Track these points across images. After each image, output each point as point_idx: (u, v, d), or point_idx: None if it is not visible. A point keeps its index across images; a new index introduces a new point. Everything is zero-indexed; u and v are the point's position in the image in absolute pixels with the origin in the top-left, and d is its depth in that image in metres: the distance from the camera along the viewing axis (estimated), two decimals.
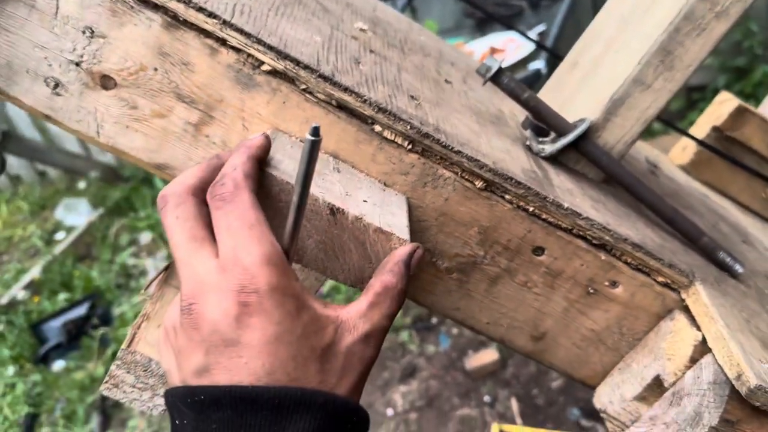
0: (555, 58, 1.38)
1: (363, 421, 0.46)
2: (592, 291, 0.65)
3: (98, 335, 3.14)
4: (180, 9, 0.52)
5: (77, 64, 0.54)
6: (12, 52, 0.54)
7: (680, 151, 1.19)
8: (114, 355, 3.05)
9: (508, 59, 2.65)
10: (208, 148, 0.58)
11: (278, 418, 0.41)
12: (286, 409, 0.41)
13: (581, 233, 0.62)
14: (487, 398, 2.71)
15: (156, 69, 0.54)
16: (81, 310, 3.32)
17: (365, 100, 0.56)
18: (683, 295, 0.65)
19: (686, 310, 0.65)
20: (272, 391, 0.41)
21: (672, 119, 3.64)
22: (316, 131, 0.43)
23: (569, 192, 0.64)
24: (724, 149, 1.13)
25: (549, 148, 0.70)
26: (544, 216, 0.60)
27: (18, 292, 3.53)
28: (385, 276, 0.50)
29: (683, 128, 1.12)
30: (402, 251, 0.52)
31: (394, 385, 2.84)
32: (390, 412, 2.72)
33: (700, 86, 3.85)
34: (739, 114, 1.11)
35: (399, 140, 0.57)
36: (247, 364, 0.42)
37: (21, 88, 0.55)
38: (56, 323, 3.28)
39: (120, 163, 4.50)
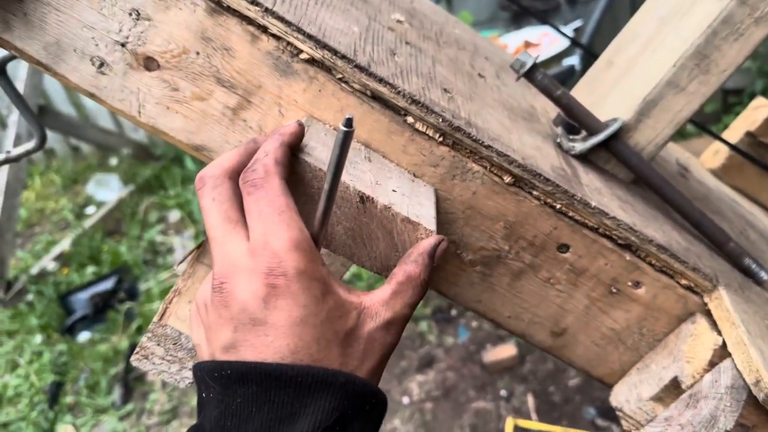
0: (590, 56, 1.38)
1: (381, 403, 0.47)
2: (614, 290, 0.65)
3: (124, 309, 3.21)
4: None
5: (123, 45, 0.56)
6: (61, 31, 0.56)
7: (712, 154, 1.18)
8: (139, 329, 3.12)
9: (542, 54, 2.63)
10: (244, 132, 0.59)
11: (300, 396, 0.42)
12: (309, 387, 0.43)
13: (607, 233, 0.62)
14: (503, 392, 2.72)
15: (198, 53, 0.56)
16: (108, 284, 3.39)
17: (399, 92, 0.57)
18: (706, 299, 0.65)
19: (708, 314, 0.65)
20: (296, 369, 0.43)
21: (706, 122, 3.59)
22: (349, 122, 0.44)
23: (597, 191, 0.65)
24: (757, 155, 1.11)
25: (579, 146, 0.71)
26: (570, 214, 0.61)
27: (48, 263, 3.62)
28: (409, 266, 0.52)
29: (718, 132, 1.11)
30: (427, 243, 0.53)
31: (411, 374, 2.86)
32: (406, 400, 2.74)
33: (737, 90, 3.77)
34: None
35: (430, 132, 0.58)
36: (272, 342, 0.44)
37: (68, 66, 0.57)
38: (83, 295, 3.36)
39: (152, 142, 4.57)
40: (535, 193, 0.60)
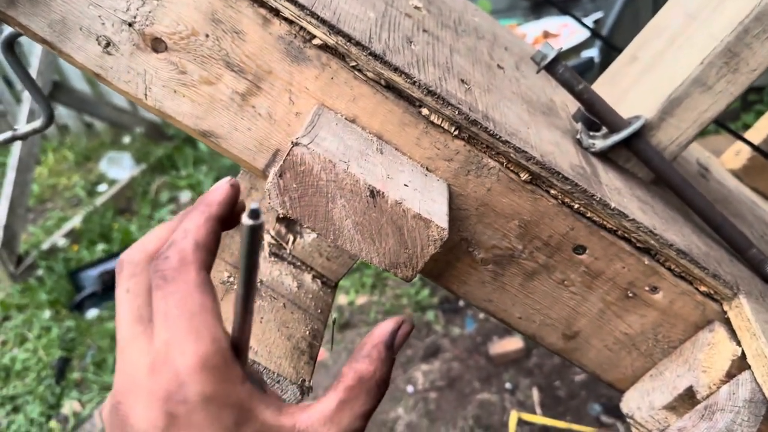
0: (610, 48, 1.34)
1: None
2: (630, 295, 0.63)
3: None
4: None
5: (130, 25, 0.54)
6: (67, 8, 0.54)
7: (733, 155, 1.14)
8: None
9: (561, 45, 2.59)
10: (253, 120, 0.57)
11: None
12: None
13: (626, 235, 0.60)
14: (508, 385, 2.70)
15: (207, 35, 0.54)
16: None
17: (414, 82, 0.55)
18: (725, 307, 0.63)
19: (727, 322, 0.63)
20: None
21: (724, 120, 3.52)
22: (255, 214, 0.34)
23: (617, 191, 0.62)
24: None
25: (600, 143, 0.68)
26: (589, 214, 0.59)
27: (59, 239, 3.63)
28: (361, 364, 0.42)
29: (737, 130, 1.08)
30: (382, 330, 0.44)
31: (417, 363, 2.86)
32: (410, 389, 2.74)
33: (758, 87, 3.70)
34: None
35: (446, 125, 0.56)
36: None
37: (73, 45, 0.56)
38: (93, 272, 3.37)
39: (165, 121, 4.56)
40: (552, 191, 0.58)
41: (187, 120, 0.58)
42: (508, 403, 2.63)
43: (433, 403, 2.67)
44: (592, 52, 2.71)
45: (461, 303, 3.12)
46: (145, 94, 0.57)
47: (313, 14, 0.53)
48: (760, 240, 0.83)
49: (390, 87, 0.55)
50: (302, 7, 0.52)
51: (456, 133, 0.56)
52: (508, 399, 2.66)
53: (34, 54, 3.33)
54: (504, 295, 0.64)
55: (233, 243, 0.69)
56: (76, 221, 3.74)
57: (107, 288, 3.31)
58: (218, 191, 0.41)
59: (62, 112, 4.55)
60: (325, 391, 0.41)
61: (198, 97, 0.57)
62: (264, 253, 0.70)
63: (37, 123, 0.84)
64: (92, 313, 3.25)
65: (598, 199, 0.58)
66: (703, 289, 0.63)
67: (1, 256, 3.31)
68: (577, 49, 2.61)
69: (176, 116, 0.58)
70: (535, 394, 2.66)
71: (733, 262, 0.68)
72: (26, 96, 3.43)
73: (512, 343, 2.82)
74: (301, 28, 0.53)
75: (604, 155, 0.70)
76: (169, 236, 0.41)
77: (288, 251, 0.71)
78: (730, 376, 0.58)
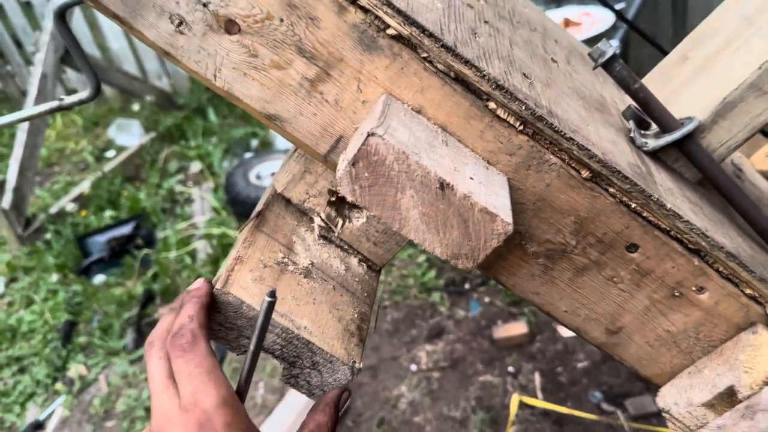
0: (639, 35, 1.34)
1: None
2: (677, 294, 0.64)
3: (140, 255, 3.23)
4: None
5: (204, 5, 0.55)
6: None
7: (764, 156, 1.15)
8: (154, 276, 3.14)
9: (582, 34, 2.57)
10: (320, 105, 0.58)
11: None
12: None
13: (678, 236, 0.61)
14: (510, 369, 2.74)
15: (282, 20, 0.54)
16: (126, 229, 3.41)
17: (484, 76, 0.55)
18: None
19: None
20: None
21: None
22: (273, 294, 0.53)
23: (670, 191, 0.63)
24: None
25: (652, 142, 0.69)
26: (645, 214, 0.60)
27: (66, 203, 3.64)
28: (318, 415, 0.60)
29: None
30: (332, 394, 0.62)
31: (421, 342, 2.89)
32: (414, 367, 2.77)
33: None
34: None
35: (511, 120, 0.57)
36: None
37: (145, 22, 0.56)
38: (101, 239, 3.38)
39: (175, 90, 4.54)
40: (611, 190, 0.59)
41: (254, 103, 0.58)
42: (510, 387, 2.67)
43: (435, 383, 2.71)
44: (613, 43, 2.69)
45: (466, 286, 3.14)
46: (215, 76, 0.57)
47: (389, 4, 0.53)
48: None
49: (459, 80, 0.56)
50: None
51: (521, 128, 0.57)
52: (510, 382, 2.69)
53: (47, 17, 3.30)
54: (552, 288, 0.66)
55: (285, 224, 0.70)
56: (84, 186, 3.74)
57: (114, 254, 3.32)
58: (201, 287, 0.58)
59: (72, 77, 4.52)
60: None
61: (267, 81, 0.57)
62: (314, 236, 0.71)
63: (84, 94, 0.84)
64: (99, 278, 3.27)
65: (655, 199, 0.59)
66: (748, 291, 0.64)
67: (9, 218, 3.32)
68: (597, 39, 2.60)
69: (244, 99, 0.58)
70: (537, 378, 2.70)
71: None
72: (38, 58, 3.41)
73: (516, 328, 2.85)
74: (377, 17, 0.53)
75: (654, 154, 0.71)
76: (173, 321, 0.56)
77: (336, 234, 0.72)
78: None
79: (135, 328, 2.96)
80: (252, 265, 0.62)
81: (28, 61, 4.39)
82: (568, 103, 0.64)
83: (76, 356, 2.89)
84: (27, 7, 4.39)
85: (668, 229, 0.61)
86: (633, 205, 0.59)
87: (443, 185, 0.51)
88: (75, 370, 2.82)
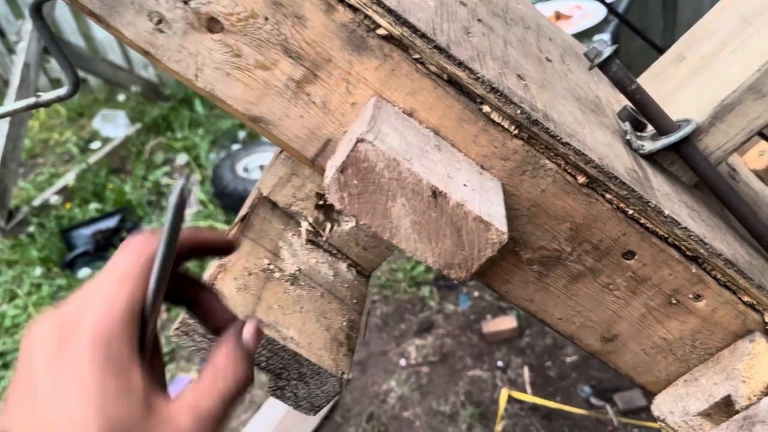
0: (630, 29, 1.32)
1: None
2: (674, 301, 0.63)
3: None
4: None
5: (185, 2, 0.52)
6: None
7: (757, 155, 1.14)
8: None
9: (573, 28, 2.55)
10: (306, 108, 0.55)
11: None
12: None
13: (676, 243, 0.59)
14: (500, 363, 2.73)
15: (267, 18, 0.52)
16: (111, 222, 3.37)
17: (478, 78, 0.53)
18: (767, 318, 0.63)
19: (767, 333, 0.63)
20: None
21: None
22: (187, 178, 0.40)
23: (667, 197, 0.62)
24: None
25: (649, 145, 0.67)
26: (642, 221, 0.58)
27: (50, 196, 3.58)
28: (219, 358, 0.44)
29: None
30: (232, 332, 0.46)
31: (410, 337, 2.88)
32: (403, 362, 2.76)
33: None
34: None
35: (506, 124, 0.55)
36: None
37: (123, 20, 0.53)
38: (86, 231, 3.33)
39: (161, 81, 4.47)
40: (608, 196, 0.57)
41: (238, 105, 0.56)
42: (499, 381, 2.67)
43: (425, 378, 2.70)
44: (605, 37, 2.67)
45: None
46: (196, 76, 0.55)
47: (379, 2, 0.51)
48: None
49: (452, 82, 0.53)
50: None
51: (516, 132, 0.55)
52: (500, 377, 2.69)
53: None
54: (547, 295, 0.64)
55: (271, 228, 0.67)
56: (69, 178, 3.68)
57: (99, 248, 3.28)
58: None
59: (55, 66, 4.44)
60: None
61: (251, 81, 0.55)
62: (301, 241, 0.69)
63: (62, 90, 0.82)
64: (84, 272, 3.23)
65: (653, 206, 0.57)
66: (746, 299, 0.62)
67: None
68: (588, 33, 2.58)
69: (227, 100, 0.56)
70: (526, 373, 2.69)
71: None
72: (20, 47, 3.34)
73: (505, 322, 2.84)
74: (366, 16, 0.51)
75: (650, 157, 0.69)
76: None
77: (325, 239, 0.70)
78: None
79: None
80: (236, 273, 0.60)
81: (11, 50, 4.31)
82: (563, 106, 0.62)
83: None
84: None
85: (666, 236, 0.59)
86: (630, 212, 0.58)
87: (436, 193, 0.49)
88: None
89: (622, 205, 0.57)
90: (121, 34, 0.54)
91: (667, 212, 0.58)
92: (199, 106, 4.28)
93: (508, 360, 2.75)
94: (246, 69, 0.54)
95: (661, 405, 0.68)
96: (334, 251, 0.71)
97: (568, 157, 0.55)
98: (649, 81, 0.82)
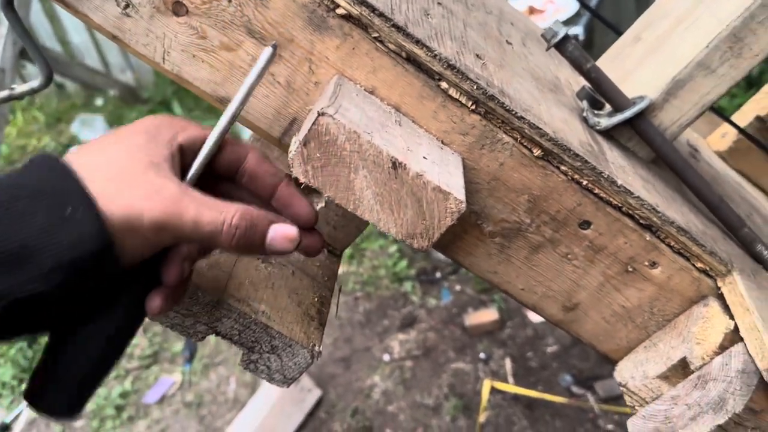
0: (601, 22, 1.35)
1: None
2: (630, 269, 0.65)
3: None
4: None
5: None
6: None
7: (719, 137, 1.17)
8: None
9: (546, 21, 2.59)
10: (271, 87, 0.57)
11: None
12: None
13: (630, 212, 0.62)
14: (482, 355, 2.76)
15: (230, 0, 0.54)
16: None
17: (435, 55, 0.55)
18: (719, 284, 0.66)
19: (720, 297, 0.66)
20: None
21: None
22: (275, 46, 0.53)
23: (622, 169, 0.64)
24: (765, 141, 1.11)
25: (605, 121, 0.70)
26: (596, 191, 0.61)
27: None
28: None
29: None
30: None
31: (393, 332, 2.90)
32: (387, 357, 2.78)
33: None
34: None
35: (463, 99, 0.57)
36: None
37: (91, 5, 0.55)
38: None
39: (139, 84, 4.46)
40: (563, 167, 0.60)
41: (204, 86, 0.57)
42: (481, 373, 2.70)
43: (408, 372, 2.72)
44: (577, 30, 2.72)
45: (438, 275, 3.16)
46: (163, 59, 0.56)
47: None
48: (747, 220, 0.86)
49: (410, 60, 0.56)
50: None
51: (473, 107, 0.57)
52: (482, 368, 2.72)
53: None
54: (509, 267, 0.66)
55: None
56: None
57: None
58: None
59: (31, 71, 4.41)
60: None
61: (217, 63, 0.56)
62: None
63: (35, 82, 0.83)
64: None
65: (606, 176, 0.60)
66: (699, 265, 0.65)
67: None
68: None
69: (194, 82, 0.57)
70: (508, 364, 2.73)
71: (726, 241, 0.71)
72: None
73: (487, 315, 2.88)
74: None
75: (607, 133, 0.72)
76: None
77: None
78: (722, 348, 0.61)
79: None
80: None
81: None
82: (520, 84, 0.65)
83: None
84: None
85: (620, 205, 0.62)
86: (584, 182, 0.60)
87: (396, 164, 0.51)
88: None
89: (576, 176, 0.60)
90: (89, 19, 0.56)
91: (620, 182, 0.60)
92: (177, 108, 4.27)
93: (490, 352, 2.78)
94: (211, 51, 0.56)
95: (623, 371, 0.71)
96: None
97: (523, 131, 0.58)
98: (608, 62, 0.85)
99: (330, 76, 0.57)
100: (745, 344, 0.60)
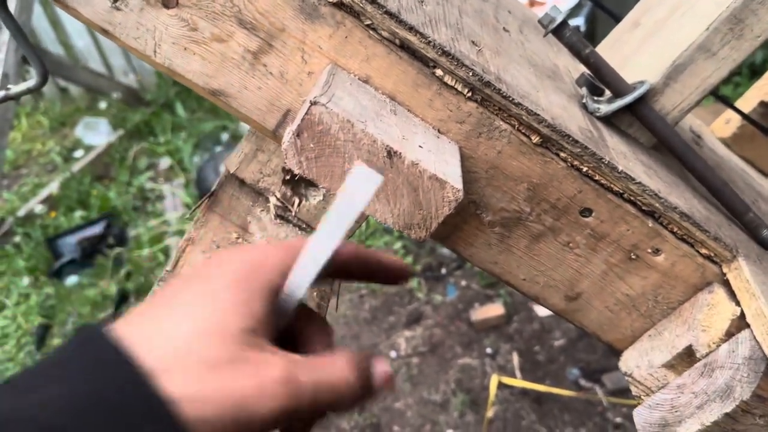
0: (604, 11, 1.34)
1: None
2: (633, 257, 0.64)
3: (113, 255, 3.18)
4: None
5: None
6: None
7: (723, 123, 1.16)
8: (128, 275, 3.10)
9: None
10: (264, 78, 0.57)
11: None
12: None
13: (632, 198, 0.61)
14: (488, 350, 2.75)
15: None
16: (96, 229, 3.36)
17: (429, 42, 0.54)
18: (725, 270, 0.65)
19: (726, 284, 0.65)
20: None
21: None
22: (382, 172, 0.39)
23: (623, 155, 0.63)
24: None
25: (605, 107, 0.69)
26: (597, 177, 0.60)
27: (35, 205, 3.57)
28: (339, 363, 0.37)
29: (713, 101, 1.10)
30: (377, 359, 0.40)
31: (400, 329, 2.89)
32: (393, 354, 2.77)
33: None
34: None
35: (459, 87, 0.56)
36: None
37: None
38: (71, 239, 3.32)
39: (142, 87, 4.46)
40: (562, 154, 0.59)
41: (196, 78, 0.57)
42: (488, 368, 2.69)
43: (415, 368, 2.71)
44: (579, 21, 2.70)
45: (443, 271, 3.15)
46: (155, 52, 0.56)
47: None
48: (752, 206, 0.84)
49: (404, 47, 0.55)
50: None
51: (469, 95, 0.56)
52: (489, 363, 2.71)
53: None
54: (510, 257, 0.65)
55: (239, 205, 0.68)
56: (53, 187, 3.67)
57: (86, 255, 3.27)
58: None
59: (35, 76, 4.42)
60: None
61: (209, 54, 0.56)
62: (270, 216, 0.70)
63: (31, 82, 0.82)
64: (72, 279, 3.21)
65: (606, 162, 0.59)
66: (703, 251, 0.64)
67: None
68: None
69: (186, 74, 0.57)
70: (515, 358, 2.71)
71: (731, 226, 0.70)
72: None
73: (493, 310, 2.86)
74: None
75: (607, 120, 0.71)
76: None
77: (293, 213, 0.71)
78: (729, 335, 0.60)
79: None
80: (204, 245, 0.61)
81: None
82: (518, 70, 0.64)
83: None
84: None
85: (621, 191, 0.61)
86: (584, 169, 0.59)
87: (391, 153, 0.51)
88: None
89: (576, 162, 0.59)
90: (79, 13, 0.55)
91: (620, 168, 0.59)
92: (180, 110, 4.27)
93: (496, 347, 2.77)
94: (202, 42, 0.55)
95: (628, 361, 0.70)
96: (303, 225, 0.72)
97: (521, 118, 0.57)
98: (606, 48, 0.84)
99: (323, 66, 0.56)
100: (751, 330, 0.58)
